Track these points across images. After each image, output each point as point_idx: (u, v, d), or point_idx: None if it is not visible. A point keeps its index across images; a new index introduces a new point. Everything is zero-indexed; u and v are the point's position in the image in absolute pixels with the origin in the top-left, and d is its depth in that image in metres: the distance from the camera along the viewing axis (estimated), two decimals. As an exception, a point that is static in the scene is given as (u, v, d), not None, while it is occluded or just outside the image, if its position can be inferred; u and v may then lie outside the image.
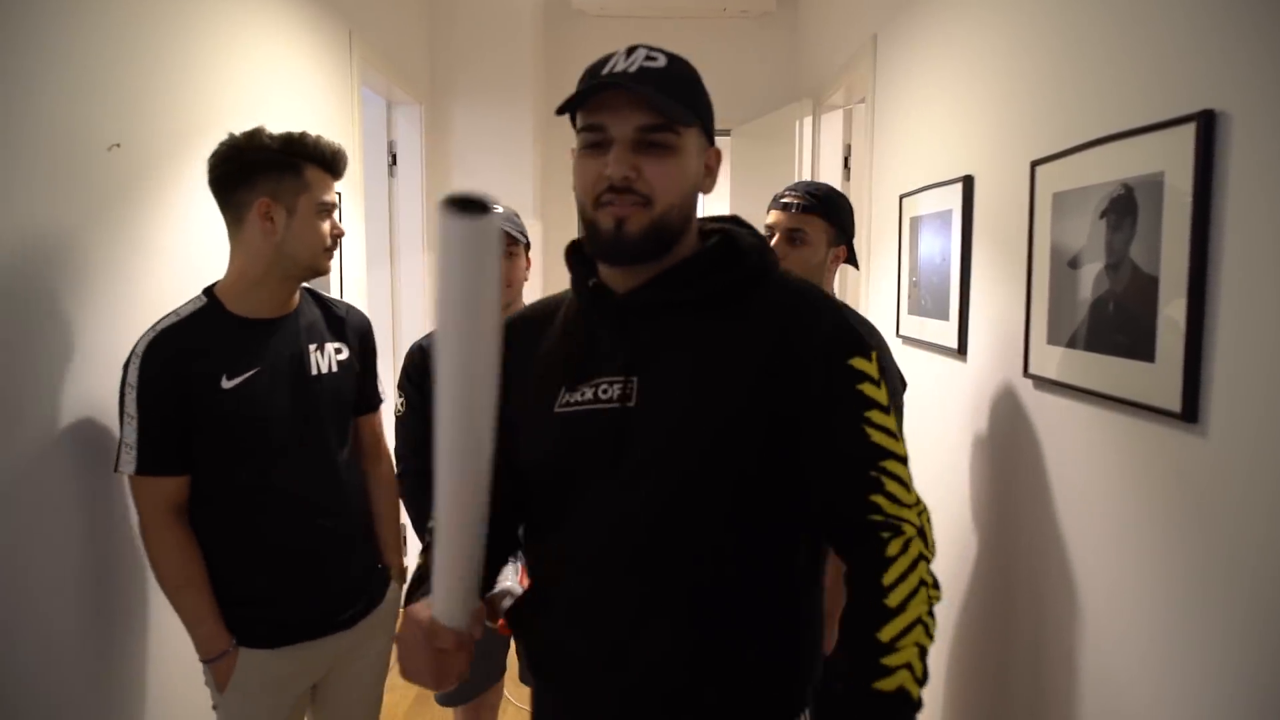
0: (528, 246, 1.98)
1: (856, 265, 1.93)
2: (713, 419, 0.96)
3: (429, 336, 1.94)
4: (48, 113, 1.34)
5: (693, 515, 0.96)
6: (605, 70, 0.96)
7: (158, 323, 1.43)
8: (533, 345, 1.09)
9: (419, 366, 1.90)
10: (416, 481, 1.84)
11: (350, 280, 2.87)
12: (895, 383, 1.66)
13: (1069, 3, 1.47)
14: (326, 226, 1.51)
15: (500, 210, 1.82)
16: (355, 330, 1.68)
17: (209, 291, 1.50)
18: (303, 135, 1.48)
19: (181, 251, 1.71)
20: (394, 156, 3.61)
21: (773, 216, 1.85)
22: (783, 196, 1.85)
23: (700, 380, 0.97)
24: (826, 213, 1.81)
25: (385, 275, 3.56)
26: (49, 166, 1.34)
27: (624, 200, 0.95)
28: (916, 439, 1.69)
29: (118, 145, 1.51)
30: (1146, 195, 1.19)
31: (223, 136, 1.47)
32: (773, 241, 1.81)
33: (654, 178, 0.95)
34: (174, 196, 1.69)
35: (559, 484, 1.04)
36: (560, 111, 0.98)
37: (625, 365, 1.00)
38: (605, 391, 0.99)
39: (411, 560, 1.36)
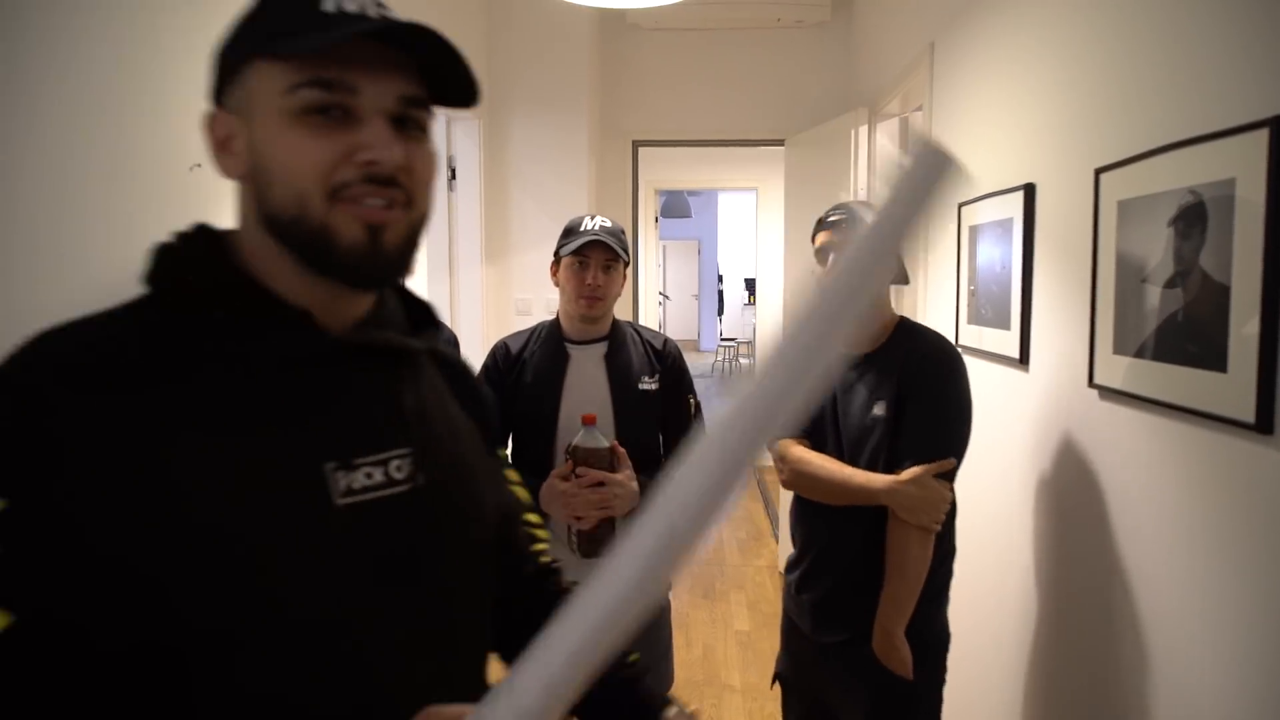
0: (627, 264, 1.92)
1: (906, 281, 1.86)
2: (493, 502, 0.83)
3: (516, 335, 1.96)
4: (139, 137, 1.42)
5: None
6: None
7: None
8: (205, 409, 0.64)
9: (499, 365, 1.91)
10: None
11: (412, 292, 2.94)
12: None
13: (1133, 7, 1.45)
14: None
15: (607, 223, 1.85)
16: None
17: None
18: None
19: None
20: (453, 171, 3.69)
21: (825, 238, 1.77)
22: (832, 218, 1.77)
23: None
24: None
25: (444, 288, 3.63)
26: (141, 187, 1.42)
27: (385, 196, 0.67)
28: (976, 448, 1.68)
29: (199, 165, 1.58)
30: (1217, 203, 1.17)
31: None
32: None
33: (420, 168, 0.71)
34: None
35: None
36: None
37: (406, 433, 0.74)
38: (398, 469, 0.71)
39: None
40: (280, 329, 0.69)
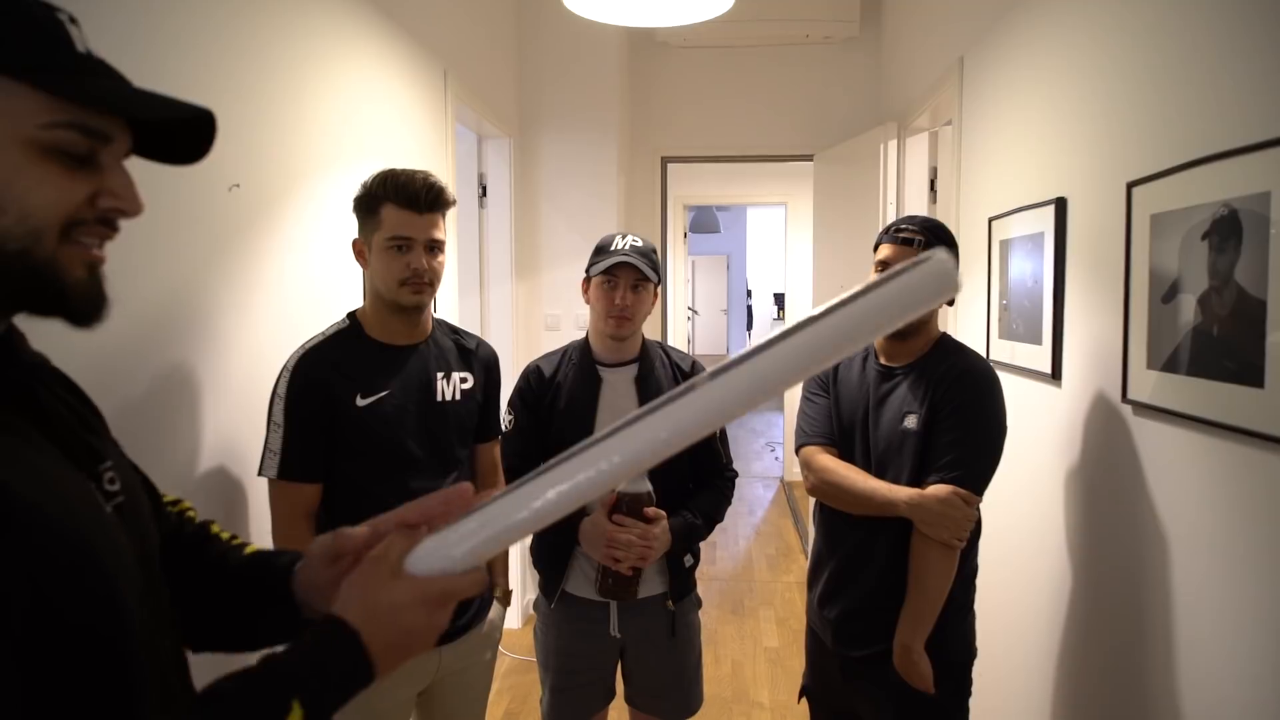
0: (657, 284, 1.91)
1: (952, 301, 1.80)
2: None
3: (547, 357, 1.96)
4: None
5: None
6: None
7: (307, 340, 1.59)
8: None
9: (533, 388, 1.90)
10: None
11: (442, 308, 2.97)
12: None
13: (1165, 21, 1.44)
14: (402, 261, 1.55)
15: (638, 242, 1.86)
16: (482, 362, 1.79)
17: (352, 315, 1.65)
18: (385, 175, 1.57)
19: (294, 284, 1.82)
20: (484, 188, 3.74)
21: (888, 251, 1.71)
22: (900, 231, 1.71)
23: None
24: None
25: (475, 303, 3.67)
26: (179, 208, 1.45)
27: None
28: (1008, 464, 1.66)
29: (238, 185, 1.62)
30: (1252, 216, 1.16)
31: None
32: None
33: None
34: (288, 232, 1.80)
35: None
36: None
37: None
38: None
39: (515, 584, 1.40)
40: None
